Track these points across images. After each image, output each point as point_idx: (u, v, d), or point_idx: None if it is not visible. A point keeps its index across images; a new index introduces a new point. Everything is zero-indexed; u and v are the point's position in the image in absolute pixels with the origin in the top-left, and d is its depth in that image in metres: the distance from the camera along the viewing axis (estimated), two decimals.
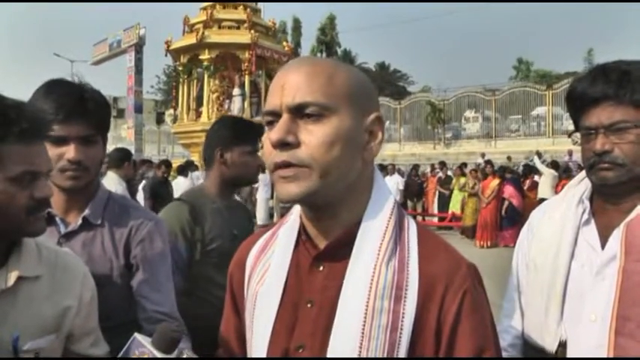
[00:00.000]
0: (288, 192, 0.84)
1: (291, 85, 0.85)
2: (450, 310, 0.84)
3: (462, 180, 12.61)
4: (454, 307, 0.84)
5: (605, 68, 1.21)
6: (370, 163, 0.92)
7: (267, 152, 0.87)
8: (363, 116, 0.88)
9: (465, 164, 14.59)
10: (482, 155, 18.18)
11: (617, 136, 1.17)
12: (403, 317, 0.83)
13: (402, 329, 0.83)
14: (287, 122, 0.84)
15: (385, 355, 0.82)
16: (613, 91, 1.17)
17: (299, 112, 0.84)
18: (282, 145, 0.84)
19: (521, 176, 12.33)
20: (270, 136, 0.85)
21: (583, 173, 1.34)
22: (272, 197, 12.77)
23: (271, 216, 12.37)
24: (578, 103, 1.24)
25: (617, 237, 1.17)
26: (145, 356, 0.95)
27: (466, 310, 0.84)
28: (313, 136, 0.83)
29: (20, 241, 1.11)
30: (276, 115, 0.86)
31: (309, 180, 0.83)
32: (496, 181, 10.82)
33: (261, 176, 12.78)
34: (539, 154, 18.70)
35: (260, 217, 12.35)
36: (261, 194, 12.62)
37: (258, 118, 16.39)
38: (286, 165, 0.84)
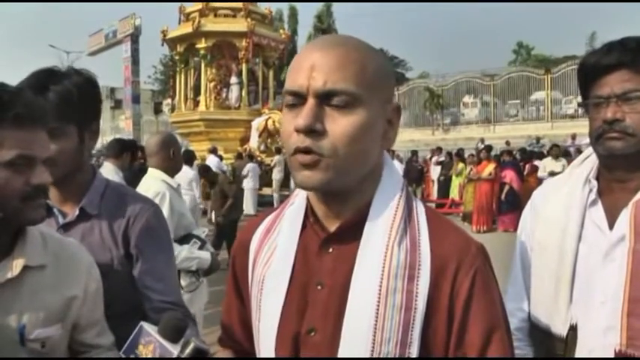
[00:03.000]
0: (306, 180, 0.83)
1: (321, 68, 0.81)
2: (462, 289, 0.84)
3: (460, 166, 12.62)
4: (466, 286, 0.84)
5: (621, 40, 1.18)
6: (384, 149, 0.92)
7: (287, 134, 0.84)
8: (385, 106, 0.87)
9: (462, 150, 14.59)
10: (482, 140, 18.18)
11: (629, 106, 1.14)
12: (417, 296, 0.83)
13: (415, 309, 0.83)
14: (314, 108, 0.81)
15: (400, 335, 0.82)
16: (629, 59, 1.14)
17: (327, 98, 0.81)
18: (308, 131, 0.81)
19: (520, 160, 12.34)
20: (297, 121, 0.81)
21: (587, 152, 1.31)
22: (260, 188, 12.85)
23: (267, 204, 12.41)
24: (590, 72, 1.21)
25: (625, 217, 1.15)
26: (151, 346, 0.96)
27: (478, 288, 0.85)
28: (338, 126, 0.81)
29: (25, 231, 1.11)
30: (301, 97, 0.83)
31: (327, 170, 0.82)
32: (492, 166, 10.82)
33: (249, 166, 12.81)
34: (537, 140, 18.72)
35: (247, 207, 12.38)
36: (249, 184, 12.63)
37: (256, 106, 16.35)
38: (307, 151, 0.81)
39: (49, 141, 1.11)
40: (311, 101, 0.81)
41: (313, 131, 0.81)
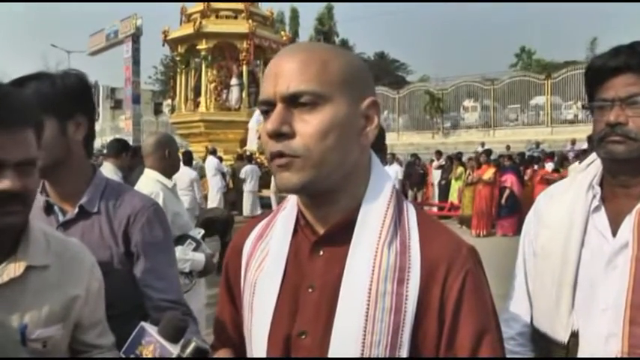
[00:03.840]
0: (284, 182, 0.85)
1: (284, 74, 0.84)
2: (452, 291, 0.85)
3: (459, 170, 12.64)
4: (456, 288, 0.85)
5: (630, 43, 1.18)
6: (367, 147, 0.92)
7: (264, 141, 0.87)
8: (358, 102, 0.88)
9: (461, 153, 14.61)
10: (482, 144, 18.19)
11: (633, 110, 1.13)
12: (406, 299, 0.84)
13: (405, 311, 0.83)
14: (282, 112, 0.84)
15: (390, 338, 0.83)
16: (636, 62, 1.13)
17: (293, 101, 0.83)
18: (277, 135, 0.83)
19: (519, 165, 12.34)
20: (266, 126, 0.84)
21: (590, 157, 1.30)
22: (259, 189, 12.85)
23: (265, 206, 12.40)
24: (596, 75, 1.20)
25: (628, 224, 1.15)
26: (152, 346, 0.96)
27: (468, 290, 0.85)
28: (308, 126, 0.83)
29: (28, 231, 1.11)
30: (270, 104, 0.85)
31: (303, 170, 0.83)
32: (491, 170, 10.83)
33: (249, 168, 12.80)
34: (537, 144, 18.74)
35: (246, 209, 12.37)
36: (249, 186, 12.61)
37: (256, 108, 16.31)
38: (281, 155, 0.84)
39: (29, 144, 1.05)
40: (278, 106, 0.84)
41: (282, 134, 0.83)
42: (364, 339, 0.83)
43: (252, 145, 14.99)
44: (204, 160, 12.85)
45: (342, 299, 0.85)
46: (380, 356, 0.83)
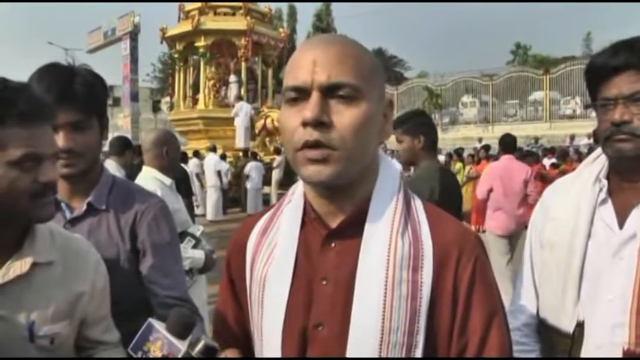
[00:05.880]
0: (317, 174, 0.84)
1: (323, 63, 0.83)
2: (464, 276, 0.87)
3: (458, 165, 12.65)
4: (468, 273, 0.88)
5: (628, 41, 1.19)
6: (381, 143, 0.94)
7: (291, 129, 0.85)
8: (381, 99, 0.89)
9: (462, 149, 14.59)
10: (480, 140, 18.19)
11: (638, 107, 1.14)
12: (422, 286, 0.86)
13: (421, 298, 0.85)
14: (320, 101, 0.82)
15: (407, 324, 0.85)
16: (637, 60, 1.14)
17: (331, 91, 0.83)
18: (316, 124, 0.82)
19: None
20: (305, 114, 0.82)
21: (597, 151, 1.32)
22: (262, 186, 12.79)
23: (265, 203, 12.36)
24: (598, 74, 1.21)
25: (636, 216, 1.16)
26: (159, 342, 0.97)
27: (478, 275, 0.88)
28: (344, 118, 0.83)
29: (33, 228, 1.11)
30: (303, 91, 0.84)
31: (337, 163, 0.83)
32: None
33: (253, 164, 12.75)
34: (536, 140, 18.75)
35: (251, 206, 12.33)
36: (253, 183, 12.55)
37: (255, 105, 16.28)
38: (317, 145, 0.82)
39: (54, 138, 1.11)
40: (316, 95, 0.83)
41: (321, 123, 0.82)
42: (382, 326, 0.84)
43: (240, 143, 14.81)
44: (203, 157, 12.83)
45: (358, 289, 0.86)
46: (398, 342, 0.84)
